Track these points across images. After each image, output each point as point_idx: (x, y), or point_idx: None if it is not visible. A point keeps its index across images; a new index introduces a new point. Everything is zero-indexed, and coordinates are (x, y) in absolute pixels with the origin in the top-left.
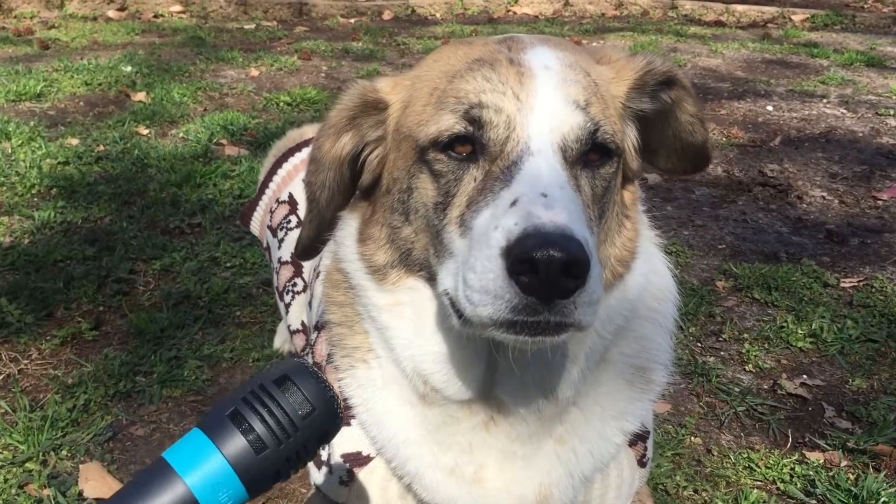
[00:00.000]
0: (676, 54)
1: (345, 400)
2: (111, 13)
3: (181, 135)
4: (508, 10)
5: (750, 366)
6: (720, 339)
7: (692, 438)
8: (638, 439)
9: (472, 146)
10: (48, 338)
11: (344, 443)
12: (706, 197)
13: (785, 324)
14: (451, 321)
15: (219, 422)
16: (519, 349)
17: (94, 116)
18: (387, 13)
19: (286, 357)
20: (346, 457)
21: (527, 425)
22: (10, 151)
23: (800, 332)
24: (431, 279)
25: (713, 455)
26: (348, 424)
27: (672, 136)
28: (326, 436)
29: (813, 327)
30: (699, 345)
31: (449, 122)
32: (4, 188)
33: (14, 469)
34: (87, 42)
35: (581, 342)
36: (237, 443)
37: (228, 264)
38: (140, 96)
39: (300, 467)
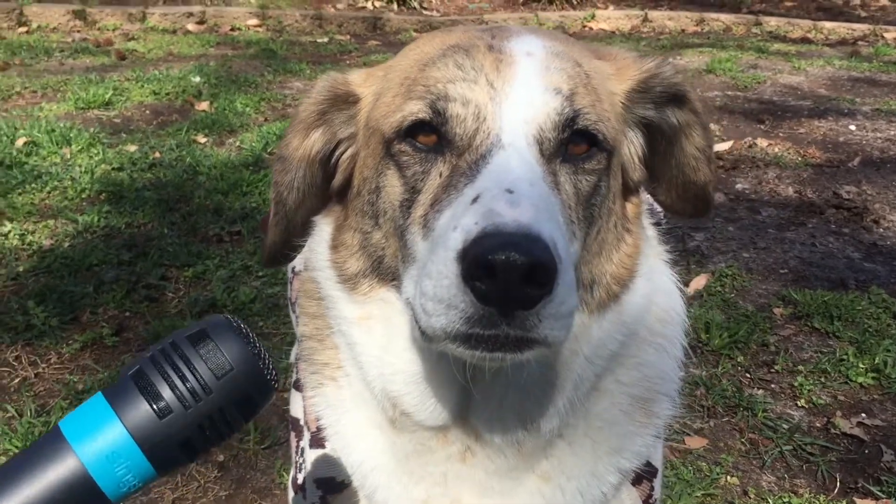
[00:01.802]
0: (756, 71)
1: (316, 420)
2: (190, 26)
3: (237, 144)
4: (584, 26)
5: (802, 401)
6: (772, 370)
7: (728, 478)
8: (643, 478)
9: (437, 137)
10: (69, 342)
11: (317, 467)
12: (773, 218)
13: (846, 356)
14: (414, 333)
15: (121, 384)
16: (479, 367)
17: (156, 125)
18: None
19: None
20: (319, 482)
21: (506, 458)
22: (68, 157)
23: (861, 365)
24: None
25: (749, 497)
26: (322, 447)
27: (675, 167)
28: (250, 401)
29: (876, 361)
30: (748, 375)
31: (413, 108)
32: (56, 192)
33: None
34: (162, 53)
35: (567, 368)
36: (139, 407)
37: (260, 273)
38: (203, 105)
39: (220, 439)
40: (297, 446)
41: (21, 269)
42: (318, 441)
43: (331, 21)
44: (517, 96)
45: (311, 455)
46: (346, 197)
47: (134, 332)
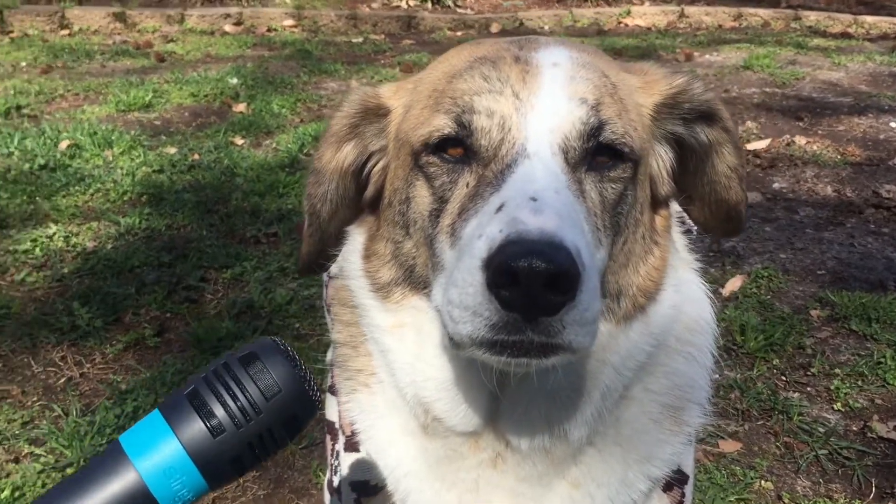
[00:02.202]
0: (794, 67)
1: (350, 424)
2: (228, 27)
3: (273, 145)
4: (620, 22)
5: (839, 404)
6: (808, 373)
7: (762, 482)
8: (674, 484)
9: (463, 149)
10: (113, 343)
11: (352, 471)
12: (810, 218)
13: (883, 359)
14: (444, 341)
15: (177, 402)
16: (502, 372)
17: (195, 127)
18: (494, 26)
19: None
20: (354, 485)
21: (535, 465)
22: (110, 159)
23: None
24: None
25: (783, 502)
26: (356, 451)
27: (707, 184)
28: (296, 420)
29: None
30: (783, 378)
31: (440, 123)
32: (99, 194)
33: (54, 474)
34: (200, 55)
35: (595, 377)
36: (193, 425)
37: (296, 275)
38: (240, 107)
39: (267, 456)
40: (333, 449)
41: (66, 270)
42: (352, 445)
43: (365, 21)
44: (542, 106)
45: (346, 458)
46: (378, 208)
47: (175, 333)
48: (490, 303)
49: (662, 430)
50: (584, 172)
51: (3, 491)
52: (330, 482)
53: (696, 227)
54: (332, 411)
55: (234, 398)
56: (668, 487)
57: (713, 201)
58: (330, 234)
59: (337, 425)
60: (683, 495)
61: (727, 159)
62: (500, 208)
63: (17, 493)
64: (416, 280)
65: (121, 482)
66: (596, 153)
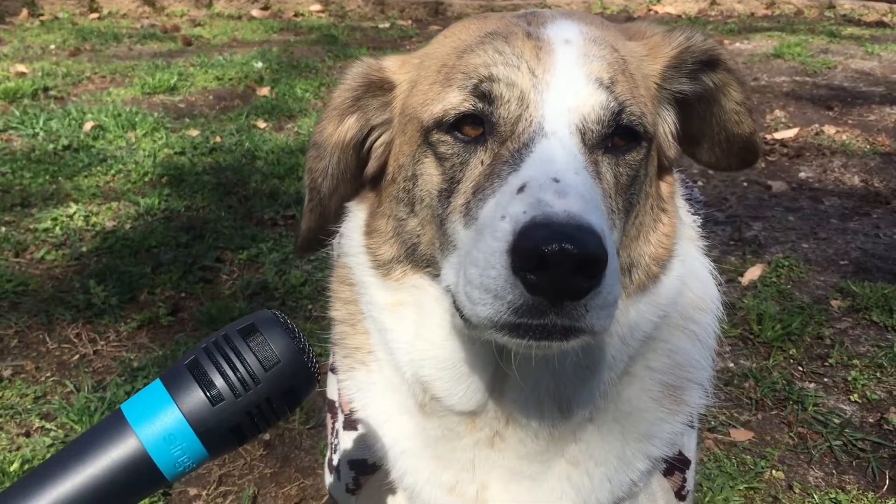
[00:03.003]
0: (826, 55)
1: (349, 402)
2: (255, 12)
3: (295, 129)
4: (650, 10)
5: (856, 395)
6: (826, 363)
7: (773, 472)
8: (675, 468)
9: (482, 127)
10: (127, 321)
11: (351, 449)
12: (836, 208)
13: None
14: (455, 320)
15: (178, 372)
16: (522, 355)
17: (219, 110)
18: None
19: None
20: (352, 464)
21: (536, 442)
22: (133, 141)
23: None
24: (437, 276)
25: (794, 492)
26: (355, 429)
27: (716, 125)
28: (294, 392)
29: None
30: (800, 368)
31: (456, 100)
32: (120, 175)
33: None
34: (227, 39)
35: (602, 350)
36: (193, 394)
37: (312, 257)
38: (264, 91)
39: (267, 426)
40: (333, 428)
41: (84, 249)
42: (351, 423)
43: (393, 6)
44: (559, 85)
45: (345, 437)
46: (380, 184)
47: (188, 313)
48: (515, 287)
49: (662, 408)
50: (601, 154)
51: (13, 464)
52: (330, 460)
53: (703, 210)
54: (332, 390)
55: (234, 368)
56: (669, 472)
57: (724, 139)
58: (330, 210)
59: (337, 404)
60: (685, 480)
61: (734, 97)
62: (521, 188)
63: (26, 466)
64: (419, 258)
65: (122, 448)
66: (613, 135)
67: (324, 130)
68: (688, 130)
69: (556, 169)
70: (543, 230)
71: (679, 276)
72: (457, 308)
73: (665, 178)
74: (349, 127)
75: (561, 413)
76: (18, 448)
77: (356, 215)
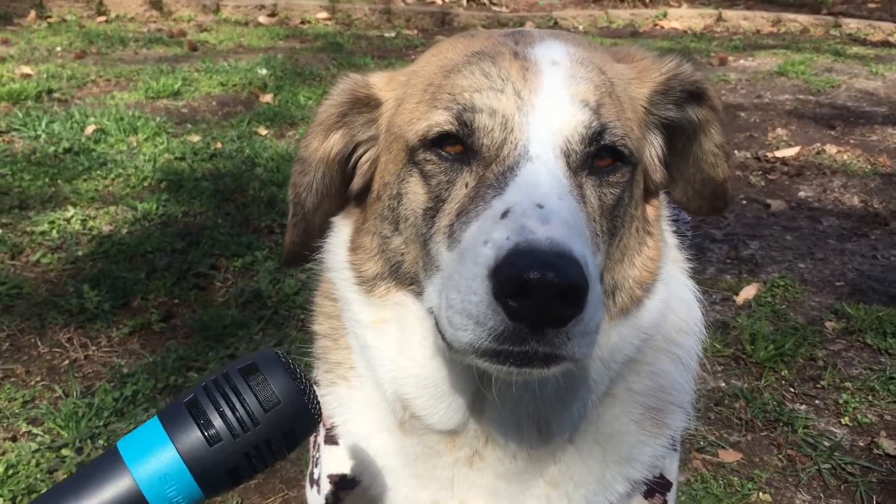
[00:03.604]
0: (830, 74)
1: (330, 418)
2: (262, 18)
3: (296, 136)
4: (656, 25)
5: (846, 419)
6: (818, 385)
7: (760, 494)
8: (655, 490)
9: (463, 147)
10: (119, 326)
11: (331, 463)
12: (834, 228)
13: None
14: (438, 341)
15: (176, 411)
16: (503, 380)
17: (221, 116)
18: (528, 24)
19: None
20: (332, 478)
21: (515, 462)
22: (134, 145)
23: None
24: (421, 294)
25: None
26: (336, 444)
27: (693, 164)
28: (294, 433)
29: None
30: (791, 390)
31: (439, 119)
32: (120, 179)
33: (48, 454)
34: (232, 45)
35: (583, 374)
36: (190, 434)
37: (307, 265)
38: (267, 98)
39: (264, 467)
40: (315, 441)
41: (80, 253)
42: (331, 438)
43: (399, 15)
44: (544, 107)
45: (326, 451)
46: (366, 200)
47: (181, 320)
48: (496, 313)
49: (643, 431)
50: (585, 177)
51: None
52: (311, 473)
53: (690, 231)
54: None
55: (233, 408)
56: (649, 493)
57: (699, 180)
58: (315, 225)
59: None
60: (665, 502)
61: (714, 138)
62: (505, 214)
63: (10, 472)
64: (403, 276)
65: (116, 486)
66: (596, 155)
67: (309, 145)
68: (667, 164)
69: (541, 194)
70: (526, 258)
71: (663, 300)
72: (439, 330)
73: (651, 202)
74: (334, 143)
75: (540, 434)
76: (3, 453)
77: (341, 230)
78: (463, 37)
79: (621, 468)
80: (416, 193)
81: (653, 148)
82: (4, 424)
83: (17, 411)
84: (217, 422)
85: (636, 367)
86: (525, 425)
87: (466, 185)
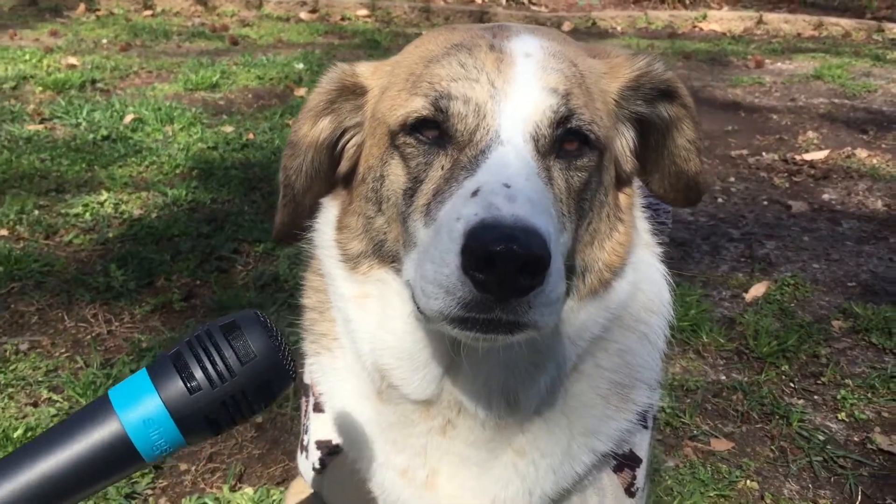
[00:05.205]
0: (868, 79)
1: (317, 386)
2: (303, 14)
3: None
4: (695, 26)
5: (843, 414)
6: (818, 381)
7: (747, 482)
8: (624, 465)
9: (439, 132)
10: (142, 304)
11: (318, 430)
12: (854, 231)
13: None
14: (413, 310)
15: (162, 363)
16: (470, 346)
17: (256, 108)
18: (566, 24)
19: None
20: (318, 444)
21: (484, 431)
22: (170, 134)
23: None
24: (401, 271)
25: (766, 503)
26: (322, 412)
27: (667, 157)
28: (269, 387)
29: None
30: (791, 385)
31: (417, 106)
32: (153, 166)
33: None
34: (272, 40)
35: (550, 348)
36: (174, 383)
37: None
38: (301, 91)
39: (241, 417)
40: (306, 410)
41: (110, 235)
42: (318, 406)
43: (438, 14)
44: (516, 96)
45: (314, 419)
46: (352, 183)
47: (201, 300)
48: (465, 284)
49: (609, 405)
50: (553, 160)
51: (17, 430)
52: (301, 440)
53: (670, 220)
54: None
55: (213, 361)
56: (619, 468)
57: (673, 173)
58: (304, 206)
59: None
60: (634, 478)
61: (686, 133)
62: (475, 193)
63: (29, 433)
64: (385, 254)
65: (105, 429)
66: (564, 140)
67: (299, 130)
68: (642, 159)
69: (509, 174)
70: (491, 232)
71: (631, 282)
72: (413, 300)
73: (624, 190)
74: (323, 128)
75: (509, 406)
76: (24, 416)
77: (329, 211)
78: (445, 29)
79: (587, 440)
80: (396, 175)
81: (624, 139)
82: (27, 391)
83: (39, 379)
84: (198, 373)
85: (604, 344)
86: (495, 396)
87: (442, 168)
